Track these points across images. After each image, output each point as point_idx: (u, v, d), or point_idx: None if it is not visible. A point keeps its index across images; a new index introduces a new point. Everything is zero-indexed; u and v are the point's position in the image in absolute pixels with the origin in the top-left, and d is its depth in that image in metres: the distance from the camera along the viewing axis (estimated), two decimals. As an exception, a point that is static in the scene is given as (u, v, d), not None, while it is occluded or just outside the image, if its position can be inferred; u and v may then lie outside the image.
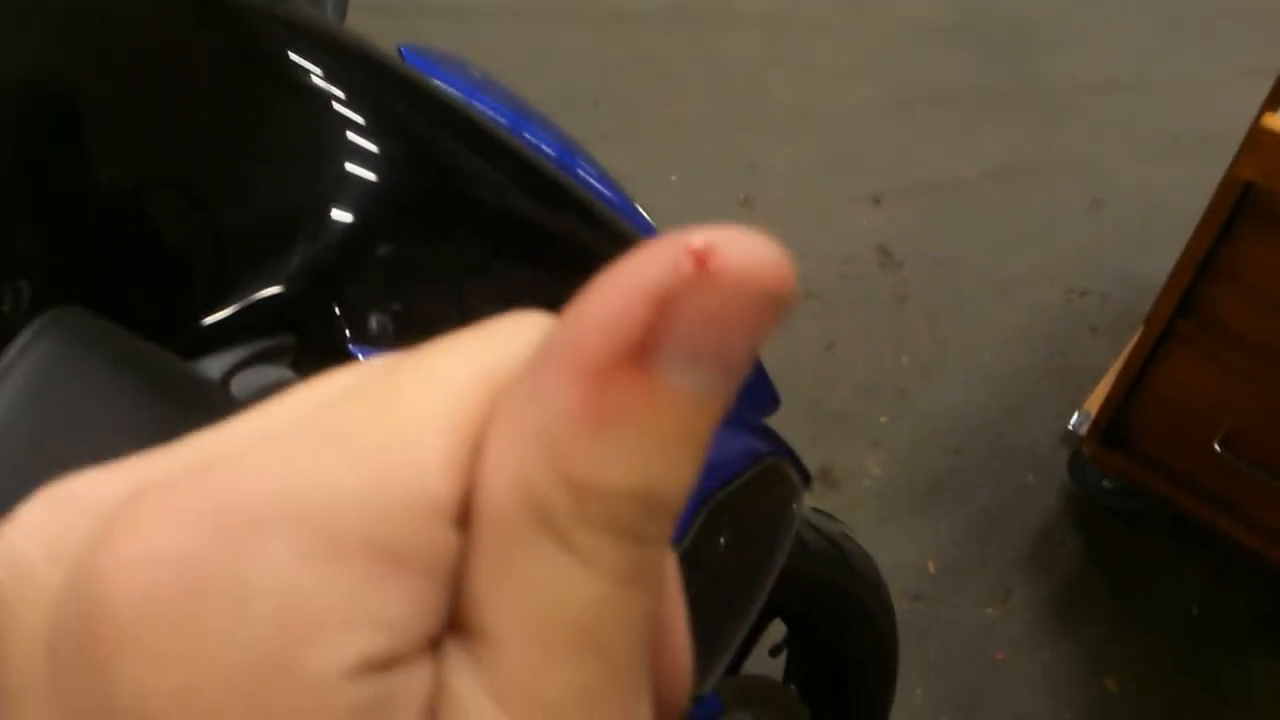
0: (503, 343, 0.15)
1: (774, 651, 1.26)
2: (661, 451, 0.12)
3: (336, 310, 0.55)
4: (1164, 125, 2.47)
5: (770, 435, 0.81)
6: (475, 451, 0.14)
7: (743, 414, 0.79)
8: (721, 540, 0.66)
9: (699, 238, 0.12)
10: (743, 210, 2.21)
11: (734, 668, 1.21)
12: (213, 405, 0.37)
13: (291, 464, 0.12)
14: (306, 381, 0.16)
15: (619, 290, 0.12)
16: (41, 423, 0.32)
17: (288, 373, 0.52)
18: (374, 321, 0.57)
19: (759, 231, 0.13)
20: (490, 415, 0.14)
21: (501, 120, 0.78)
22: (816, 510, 1.17)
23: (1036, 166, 2.36)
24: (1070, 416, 1.75)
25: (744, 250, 0.12)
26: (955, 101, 2.49)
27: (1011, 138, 2.42)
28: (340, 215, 0.60)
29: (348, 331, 0.55)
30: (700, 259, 0.12)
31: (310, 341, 0.55)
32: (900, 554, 1.73)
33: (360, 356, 0.55)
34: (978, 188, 2.30)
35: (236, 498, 0.12)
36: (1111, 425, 1.62)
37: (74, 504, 0.14)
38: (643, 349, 0.12)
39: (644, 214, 0.88)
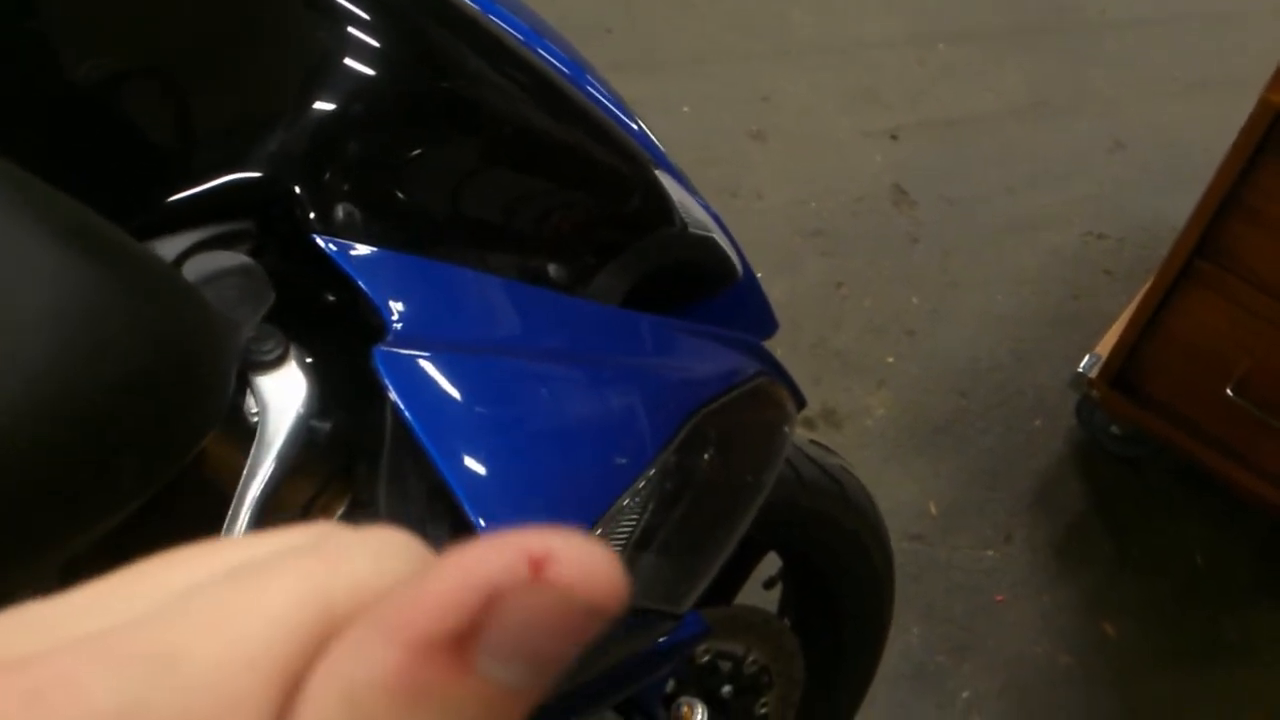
0: (348, 564, 0.15)
1: (768, 584, 1.25)
2: None
3: (297, 191, 0.52)
4: (1192, 65, 2.40)
5: (764, 355, 0.78)
6: (296, 685, 0.14)
7: (736, 332, 0.77)
8: (706, 455, 0.64)
9: (540, 542, 0.13)
10: (755, 143, 2.16)
11: (727, 599, 1.20)
12: (132, 263, 0.35)
13: (118, 682, 0.12)
14: (162, 555, 0.16)
15: (457, 576, 0.13)
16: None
17: (244, 258, 0.50)
18: (340, 211, 0.54)
19: (596, 545, 0.13)
20: (320, 646, 0.14)
21: (514, 32, 0.75)
22: (814, 443, 1.15)
23: (1059, 105, 2.30)
24: (1081, 361, 1.72)
25: (579, 561, 0.13)
26: (978, 36, 2.42)
27: (1035, 75, 2.35)
28: (322, 105, 0.57)
29: (312, 216, 0.52)
30: (536, 565, 0.13)
31: (270, 228, 0.53)
32: (902, 494, 1.71)
33: (321, 244, 0.52)
34: (997, 125, 2.24)
35: (60, 708, 0.12)
36: (1123, 369, 1.59)
37: None
38: (465, 636, 0.13)
39: (653, 138, 0.85)
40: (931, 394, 1.84)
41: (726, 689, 1.17)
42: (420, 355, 0.52)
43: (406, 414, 0.51)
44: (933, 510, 1.72)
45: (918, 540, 1.68)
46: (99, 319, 0.31)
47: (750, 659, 1.19)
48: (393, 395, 0.51)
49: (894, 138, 2.20)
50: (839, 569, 1.21)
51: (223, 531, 0.51)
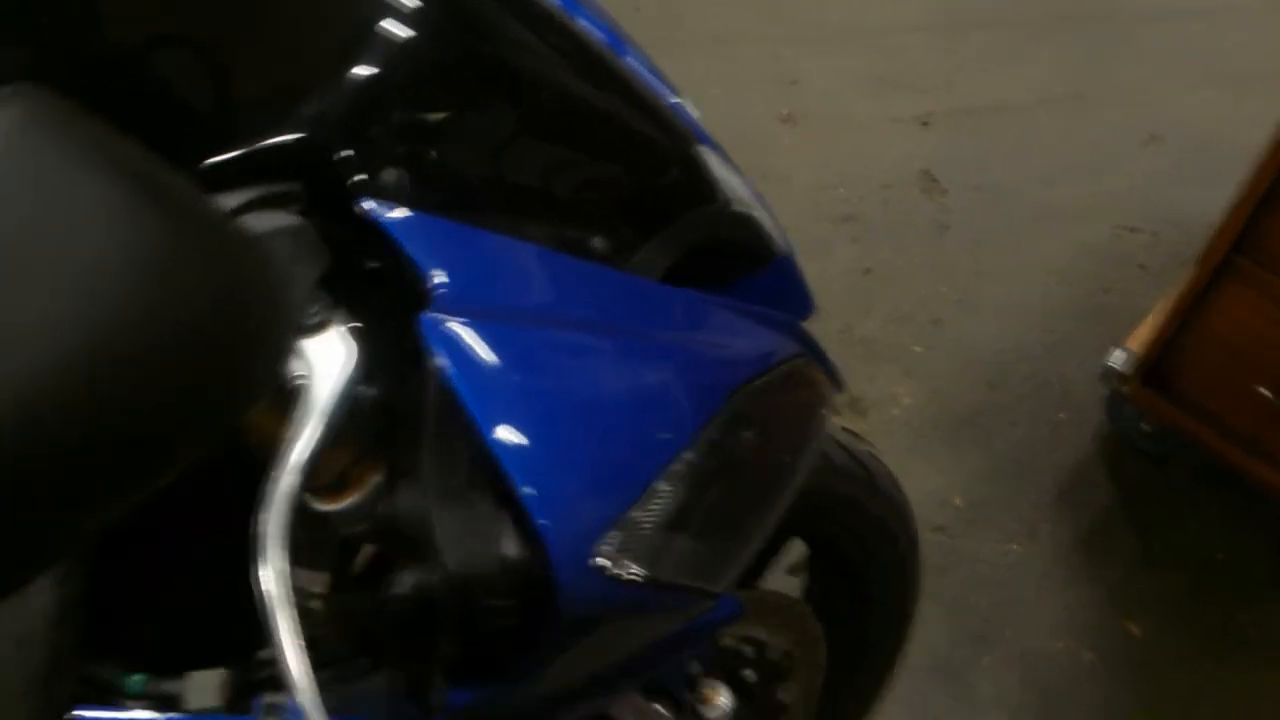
0: None
1: (793, 570, 1.24)
2: None
3: (346, 154, 0.51)
4: (1229, 57, 2.36)
5: (803, 336, 0.77)
6: None
7: (776, 311, 0.76)
8: (746, 434, 0.63)
9: None
10: (784, 127, 2.14)
11: (751, 582, 1.19)
12: (198, 214, 0.34)
13: None
14: None
15: None
16: None
17: (295, 218, 0.49)
18: (384, 176, 0.53)
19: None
20: None
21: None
22: (844, 429, 1.14)
23: (1093, 95, 2.27)
24: (1110, 355, 1.70)
25: None
26: (1011, 24, 2.39)
27: (1069, 64, 2.32)
28: (364, 69, 0.56)
29: (356, 180, 0.52)
30: None
31: (317, 189, 0.52)
32: (926, 485, 1.70)
33: (366, 207, 0.51)
34: (1030, 115, 2.21)
35: None
36: (1155, 364, 1.57)
37: None
38: None
39: (691, 109, 0.84)
40: (958, 384, 1.83)
41: (749, 673, 1.16)
42: (466, 322, 0.51)
43: (453, 380, 0.50)
44: (957, 502, 1.71)
45: (941, 532, 1.67)
46: (161, 271, 0.30)
47: (774, 644, 1.18)
48: (439, 361, 0.50)
49: (924, 124, 2.18)
50: (865, 556, 1.20)
51: (263, 497, 0.50)
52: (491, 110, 0.61)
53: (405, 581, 0.53)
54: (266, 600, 0.49)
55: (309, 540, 0.62)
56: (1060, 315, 1.93)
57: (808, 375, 0.74)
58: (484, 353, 0.51)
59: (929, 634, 1.58)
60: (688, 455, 0.57)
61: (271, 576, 0.49)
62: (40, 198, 0.29)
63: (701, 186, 0.70)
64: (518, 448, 0.50)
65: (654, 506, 0.55)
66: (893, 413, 1.78)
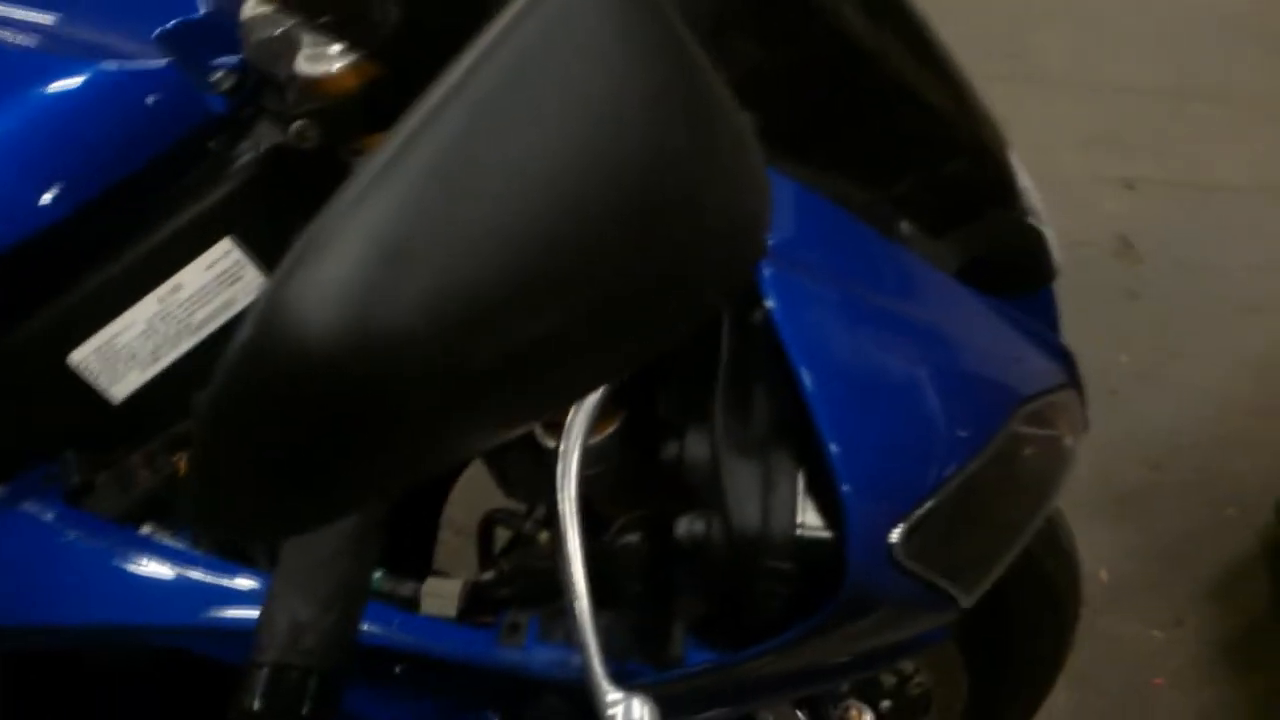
0: None
1: (945, 609, 1.20)
2: None
3: None
4: None
5: (1072, 366, 0.74)
6: None
7: (1052, 336, 0.73)
8: (1024, 453, 0.60)
9: None
10: (984, 165, 2.09)
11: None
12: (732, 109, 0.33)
13: None
14: None
15: None
16: (548, 84, 0.28)
17: None
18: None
19: None
20: None
21: None
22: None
23: (1318, 189, 2.16)
24: (1294, 459, 1.61)
25: None
26: (1237, 99, 2.28)
27: (1294, 152, 2.21)
28: None
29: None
30: None
31: None
32: (1074, 553, 1.63)
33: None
34: (1246, 197, 2.11)
35: None
36: (1351, 476, 1.48)
37: None
38: None
39: None
40: (1123, 458, 1.75)
41: (886, 704, 1.13)
42: (801, 275, 0.50)
43: (781, 327, 0.48)
44: (1103, 577, 1.64)
45: (1082, 605, 1.60)
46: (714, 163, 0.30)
47: (916, 680, 1.15)
48: (769, 305, 0.49)
49: (1129, 187, 2.10)
50: (1026, 611, 1.15)
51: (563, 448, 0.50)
52: (824, 76, 0.60)
53: (683, 529, 0.52)
54: (560, 520, 0.48)
55: (538, 474, 0.62)
56: (1243, 409, 1.84)
57: (1071, 407, 0.71)
58: (816, 307, 0.50)
59: (1053, 704, 1.50)
60: (977, 461, 0.55)
61: (568, 497, 0.49)
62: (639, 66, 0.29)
63: (1007, 190, 0.68)
64: (834, 405, 0.48)
65: (943, 505, 0.53)
66: (1053, 473, 1.71)
